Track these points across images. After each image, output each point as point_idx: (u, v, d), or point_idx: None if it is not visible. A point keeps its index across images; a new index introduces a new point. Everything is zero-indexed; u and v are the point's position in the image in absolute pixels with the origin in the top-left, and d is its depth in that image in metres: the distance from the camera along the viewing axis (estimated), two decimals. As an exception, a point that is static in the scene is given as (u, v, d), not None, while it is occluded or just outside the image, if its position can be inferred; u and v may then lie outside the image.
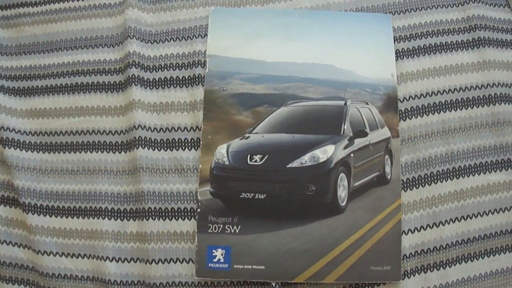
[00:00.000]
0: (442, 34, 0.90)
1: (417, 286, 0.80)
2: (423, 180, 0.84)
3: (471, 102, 0.86)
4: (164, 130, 0.87)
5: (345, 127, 0.89)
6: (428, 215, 0.82)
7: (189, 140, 0.87)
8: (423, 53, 0.89)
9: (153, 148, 0.86)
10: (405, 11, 0.91)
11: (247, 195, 0.83)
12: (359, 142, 0.89)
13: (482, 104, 0.86)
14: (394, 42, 0.89)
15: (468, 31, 0.90)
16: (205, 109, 0.87)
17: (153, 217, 0.83)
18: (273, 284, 0.81)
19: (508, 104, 0.86)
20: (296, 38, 0.90)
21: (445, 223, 0.82)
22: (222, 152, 0.86)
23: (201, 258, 0.81)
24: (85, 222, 0.85)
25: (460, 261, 0.81)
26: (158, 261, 0.82)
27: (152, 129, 0.87)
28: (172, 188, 0.85)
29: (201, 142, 0.86)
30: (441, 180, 0.83)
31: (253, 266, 0.80)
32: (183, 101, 0.88)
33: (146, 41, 0.92)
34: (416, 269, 0.81)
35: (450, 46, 0.89)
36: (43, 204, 0.86)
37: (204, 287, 0.82)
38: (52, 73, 0.92)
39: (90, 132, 0.89)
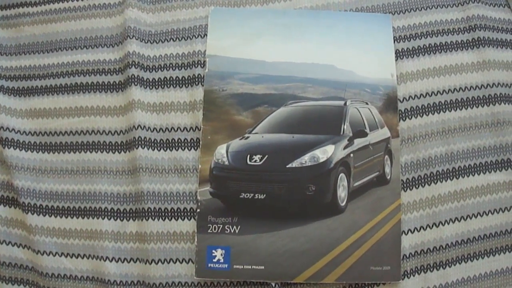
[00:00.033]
0: (442, 34, 0.90)
1: (417, 286, 0.80)
2: (423, 180, 0.84)
3: (471, 102, 0.86)
4: (164, 130, 0.87)
5: (345, 127, 0.89)
6: (428, 215, 0.82)
7: (188, 140, 0.87)
8: (423, 53, 0.89)
9: (153, 148, 0.86)
10: (405, 11, 0.91)
11: (246, 195, 0.83)
12: (359, 142, 0.89)
13: (482, 104, 0.86)
14: (394, 42, 0.89)
15: (468, 31, 0.90)
16: (205, 109, 0.87)
17: (153, 217, 0.83)
18: (273, 284, 0.81)
19: (508, 104, 0.86)
20: (296, 38, 0.90)
21: (445, 223, 0.82)
22: (221, 152, 0.86)
23: (200, 258, 0.81)
24: (85, 222, 0.85)
25: (460, 261, 0.81)
26: (158, 261, 0.82)
27: (152, 129, 0.87)
28: (171, 188, 0.85)
29: (200, 142, 0.86)
30: (441, 180, 0.83)
31: (252, 266, 0.80)
32: (183, 101, 0.88)
33: (146, 41, 0.92)
34: (416, 269, 0.81)
35: (450, 46, 0.89)
36: (42, 204, 0.86)
37: (204, 287, 0.82)
38: (52, 73, 0.92)
39: (89, 132, 0.89)
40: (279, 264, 0.79)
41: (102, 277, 0.83)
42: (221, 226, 0.82)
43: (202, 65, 0.89)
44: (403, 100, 0.87)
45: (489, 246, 0.81)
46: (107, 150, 0.87)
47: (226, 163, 0.85)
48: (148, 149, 0.86)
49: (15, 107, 0.91)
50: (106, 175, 0.86)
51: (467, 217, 0.82)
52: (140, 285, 0.82)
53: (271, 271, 0.79)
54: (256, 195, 0.83)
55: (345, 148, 0.87)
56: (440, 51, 0.89)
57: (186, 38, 0.91)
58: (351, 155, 0.88)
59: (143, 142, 0.86)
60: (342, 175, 0.86)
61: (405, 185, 0.84)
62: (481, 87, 0.87)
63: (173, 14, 0.93)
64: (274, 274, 0.79)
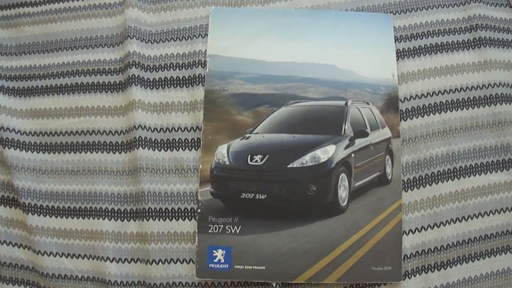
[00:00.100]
0: (443, 34, 0.89)
1: (418, 286, 0.80)
2: (424, 180, 0.83)
3: (472, 102, 0.86)
4: (165, 130, 0.87)
5: (346, 127, 0.89)
6: (429, 216, 0.82)
7: (189, 140, 0.87)
8: (424, 53, 0.89)
9: (153, 148, 0.86)
10: (406, 11, 0.91)
11: (247, 195, 0.83)
12: (360, 142, 0.89)
13: (483, 104, 0.86)
14: (395, 42, 0.89)
15: (469, 31, 0.89)
16: (206, 109, 0.87)
17: (154, 218, 0.83)
18: (274, 285, 0.81)
19: (509, 104, 0.86)
20: (297, 38, 0.90)
21: (446, 223, 0.82)
22: (222, 152, 0.86)
23: (201, 259, 0.81)
24: (85, 222, 0.85)
25: (461, 262, 0.81)
26: (159, 262, 0.82)
27: (152, 129, 0.87)
28: (172, 188, 0.85)
29: (201, 142, 0.86)
30: (442, 180, 0.83)
31: (253, 267, 0.80)
32: (183, 101, 0.88)
33: (146, 41, 0.91)
34: (417, 269, 0.81)
35: (451, 46, 0.89)
36: (43, 204, 0.86)
37: (205, 287, 0.82)
38: (52, 73, 0.92)
39: (90, 132, 0.88)
40: (280, 264, 0.79)
41: (102, 278, 0.83)
42: (222, 226, 0.81)
43: (202, 65, 0.89)
44: (404, 100, 0.87)
45: (490, 246, 0.81)
46: (108, 150, 0.87)
47: (227, 163, 0.85)
48: (149, 149, 0.86)
49: (15, 107, 0.91)
50: (107, 175, 0.86)
51: (468, 218, 0.82)
52: (140, 285, 0.82)
53: (272, 271, 0.79)
54: (257, 195, 0.82)
55: (346, 148, 0.87)
56: (441, 51, 0.89)
57: (186, 38, 0.91)
58: (352, 155, 0.88)
59: (143, 142, 0.86)
60: (343, 175, 0.86)
61: (406, 185, 0.83)
62: (482, 87, 0.87)
63: (174, 14, 0.93)
64: (275, 274, 0.79)
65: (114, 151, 0.87)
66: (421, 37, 0.90)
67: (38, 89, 0.92)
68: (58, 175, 0.88)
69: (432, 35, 0.89)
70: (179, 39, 0.91)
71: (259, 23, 0.91)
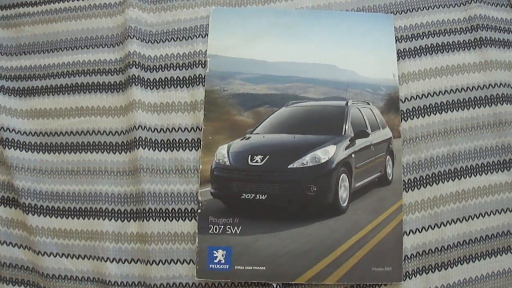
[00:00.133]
0: (443, 34, 0.89)
1: (418, 287, 0.80)
2: (424, 181, 0.83)
3: (473, 103, 0.86)
4: (165, 130, 0.87)
5: (346, 127, 0.88)
6: (430, 216, 0.82)
7: (189, 141, 0.86)
8: (425, 53, 0.88)
9: (154, 148, 0.86)
10: (407, 11, 0.91)
11: (248, 196, 0.83)
12: (360, 143, 0.89)
13: (484, 105, 0.86)
14: (396, 42, 0.89)
15: (470, 31, 0.89)
16: (206, 109, 0.87)
17: (154, 218, 0.83)
18: (274, 285, 0.81)
19: (510, 104, 0.85)
20: (297, 38, 0.90)
21: (446, 224, 0.82)
22: (222, 153, 0.86)
23: (201, 259, 0.80)
24: (86, 222, 0.85)
25: (462, 262, 0.81)
26: (159, 262, 0.82)
27: (153, 130, 0.87)
28: (172, 188, 0.84)
29: (201, 143, 0.86)
30: (443, 180, 0.83)
31: (253, 267, 0.79)
32: (184, 101, 0.88)
33: (147, 41, 0.91)
34: (418, 270, 0.80)
35: (452, 46, 0.89)
36: (43, 204, 0.86)
37: (205, 288, 0.82)
38: (52, 73, 0.92)
39: (90, 133, 0.88)
40: (280, 265, 0.79)
41: (102, 278, 0.83)
42: (222, 226, 0.81)
43: (203, 65, 0.89)
44: (404, 100, 0.86)
45: (491, 247, 0.81)
46: (108, 151, 0.87)
47: (227, 163, 0.85)
48: (149, 149, 0.86)
49: (15, 108, 0.91)
50: (107, 175, 0.86)
51: (469, 218, 0.82)
52: (140, 286, 0.82)
53: (272, 272, 0.79)
54: (257, 195, 0.82)
55: (346, 148, 0.87)
56: (442, 51, 0.88)
57: (187, 38, 0.91)
58: (353, 155, 0.88)
59: (143, 143, 0.85)
60: (343, 175, 0.85)
61: (406, 185, 0.83)
62: (483, 87, 0.86)
63: (174, 14, 0.93)
64: (275, 275, 0.79)
65: (114, 151, 0.87)
66: (421, 37, 0.89)
67: (38, 89, 0.91)
68: (58, 175, 0.87)
69: (432, 35, 0.89)
70: (180, 39, 0.91)
71: (259, 23, 0.91)
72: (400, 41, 0.89)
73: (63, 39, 0.94)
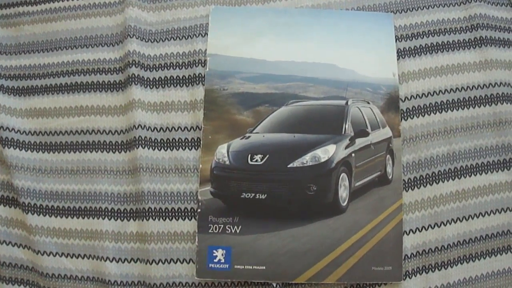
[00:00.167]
0: (444, 33, 0.89)
1: (418, 286, 0.80)
2: (424, 180, 0.83)
3: (473, 102, 0.86)
4: (164, 129, 0.87)
5: (346, 126, 0.88)
6: (430, 215, 0.82)
7: (189, 140, 0.86)
8: (425, 52, 0.88)
9: (153, 147, 0.86)
10: (407, 10, 0.91)
11: (247, 195, 0.83)
12: (360, 142, 0.89)
13: (484, 104, 0.86)
14: (396, 41, 0.89)
15: (470, 30, 0.89)
16: (206, 108, 0.86)
17: (153, 217, 0.83)
18: (274, 285, 0.81)
19: (510, 103, 0.85)
20: (297, 37, 0.89)
21: (446, 223, 0.82)
22: (222, 152, 0.85)
23: (201, 259, 0.80)
24: (85, 222, 0.85)
25: (462, 262, 0.81)
26: (159, 262, 0.82)
27: (152, 129, 0.87)
28: (172, 188, 0.84)
29: (201, 142, 0.85)
30: (443, 180, 0.83)
31: (253, 267, 0.79)
32: (183, 100, 0.88)
33: (146, 40, 0.91)
34: (418, 269, 0.80)
35: (452, 45, 0.89)
36: (42, 204, 0.86)
37: (205, 287, 0.82)
38: (52, 73, 0.92)
39: (90, 132, 0.88)
40: (280, 264, 0.79)
41: (102, 277, 0.83)
42: (222, 226, 0.81)
43: (202, 64, 0.89)
44: (405, 99, 0.86)
45: (491, 246, 0.81)
46: (107, 150, 0.87)
47: (227, 162, 0.85)
48: (149, 148, 0.86)
49: (15, 107, 0.90)
50: (107, 175, 0.86)
51: (469, 217, 0.82)
52: (140, 285, 0.82)
53: (272, 271, 0.79)
54: (257, 195, 0.82)
55: (346, 147, 0.87)
56: (442, 50, 0.88)
57: (186, 37, 0.91)
58: (353, 154, 0.88)
59: (143, 142, 0.85)
60: (343, 175, 0.85)
61: (406, 185, 0.83)
62: (483, 86, 0.86)
63: (174, 13, 0.93)
64: (275, 274, 0.79)
65: (114, 150, 0.87)
66: (422, 36, 0.89)
67: (37, 88, 0.91)
68: (58, 174, 0.87)
69: (433, 35, 0.89)
70: (179, 38, 0.91)
71: (259, 22, 0.91)
72: (400, 40, 0.89)
73: (62, 38, 0.93)
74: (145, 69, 0.89)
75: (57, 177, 0.87)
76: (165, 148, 0.86)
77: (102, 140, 0.88)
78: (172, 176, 0.85)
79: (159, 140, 0.86)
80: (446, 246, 0.81)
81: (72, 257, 0.84)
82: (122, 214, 0.85)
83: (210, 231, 0.81)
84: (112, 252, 0.83)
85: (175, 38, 0.91)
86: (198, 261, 0.80)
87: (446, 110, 0.86)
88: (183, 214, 0.83)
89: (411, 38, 0.89)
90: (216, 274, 0.80)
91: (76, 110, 0.89)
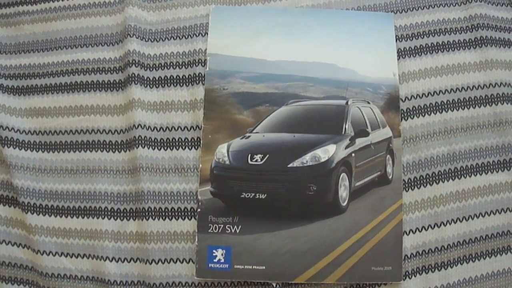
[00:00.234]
0: (444, 33, 0.89)
1: (418, 286, 0.80)
2: (424, 180, 0.83)
3: (473, 102, 0.86)
4: (164, 129, 0.87)
5: (347, 126, 0.88)
6: (430, 216, 0.82)
7: (189, 140, 0.86)
8: (425, 52, 0.88)
9: (153, 147, 0.86)
10: (407, 10, 0.91)
11: (247, 195, 0.82)
12: (360, 142, 0.89)
13: (484, 104, 0.86)
14: (396, 41, 0.89)
15: (471, 30, 0.89)
16: (206, 108, 0.86)
17: (153, 217, 0.83)
18: (274, 285, 0.80)
19: (510, 104, 0.85)
20: (297, 37, 0.89)
21: (446, 223, 0.82)
22: (222, 152, 0.85)
23: (201, 258, 0.80)
24: (85, 221, 0.85)
25: (462, 262, 0.81)
26: (158, 261, 0.82)
27: (152, 128, 0.87)
28: (172, 187, 0.84)
29: (201, 142, 0.85)
30: (443, 180, 0.83)
31: (253, 267, 0.79)
32: (183, 100, 0.88)
33: (146, 39, 0.91)
34: (418, 269, 0.80)
35: (452, 45, 0.88)
36: (42, 203, 0.86)
37: (205, 287, 0.82)
38: (52, 72, 0.92)
39: (89, 131, 0.88)
40: (280, 264, 0.79)
41: (102, 277, 0.83)
42: (222, 226, 0.81)
43: (202, 64, 0.89)
44: (405, 99, 0.86)
45: (491, 246, 0.81)
46: (107, 149, 0.87)
47: (227, 162, 0.85)
48: (148, 148, 0.85)
49: (14, 106, 0.90)
50: (106, 174, 0.86)
51: (469, 218, 0.82)
52: (140, 285, 0.82)
53: (272, 271, 0.79)
54: (257, 194, 0.82)
55: (346, 147, 0.87)
56: (442, 50, 0.88)
57: (186, 37, 0.91)
58: (353, 154, 0.87)
59: (143, 141, 0.85)
60: (343, 174, 0.85)
61: (406, 185, 0.83)
62: (483, 86, 0.86)
63: (174, 13, 0.93)
64: (275, 274, 0.79)
65: (113, 150, 0.87)
66: (422, 36, 0.89)
67: (37, 88, 0.91)
68: (58, 174, 0.87)
69: (433, 35, 0.89)
70: (179, 37, 0.91)
71: (259, 22, 0.91)
72: (400, 40, 0.89)
73: (62, 37, 0.93)
74: (145, 68, 0.89)
75: (56, 176, 0.87)
76: (165, 148, 0.86)
77: (102, 139, 0.88)
78: (172, 176, 0.85)
79: (159, 140, 0.86)
80: (446, 246, 0.81)
81: (71, 257, 0.84)
82: (121, 214, 0.85)
83: (210, 231, 0.81)
84: (111, 252, 0.83)
85: (175, 37, 0.91)
86: (198, 261, 0.80)
87: (446, 110, 0.86)
88: (183, 213, 0.83)
89: (411, 38, 0.89)
90: (216, 274, 0.80)
91: (76, 109, 0.89)
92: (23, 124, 0.90)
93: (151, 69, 0.90)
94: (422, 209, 0.82)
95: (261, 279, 0.80)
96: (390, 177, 0.88)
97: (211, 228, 0.81)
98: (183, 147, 0.86)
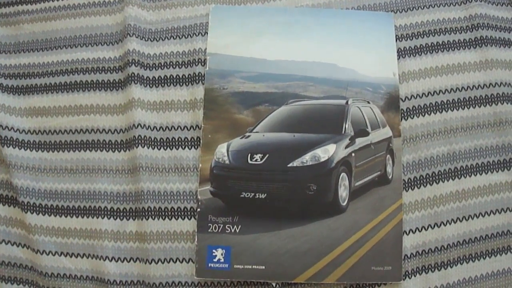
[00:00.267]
0: (444, 32, 0.89)
1: (418, 286, 0.80)
2: (424, 180, 0.83)
3: (473, 102, 0.86)
4: (164, 128, 0.87)
5: (347, 126, 0.88)
6: (430, 215, 0.82)
7: (189, 139, 0.86)
8: (425, 52, 0.88)
9: (153, 147, 0.86)
10: (407, 10, 0.91)
11: (247, 195, 0.82)
12: (360, 142, 0.89)
13: (484, 104, 0.86)
14: (396, 40, 0.89)
15: (471, 30, 0.89)
16: (205, 107, 0.86)
17: (153, 217, 0.83)
18: (273, 284, 0.80)
19: (510, 104, 0.85)
20: (297, 37, 0.89)
21: (446, 223, 0.82)
22: (222, 151, 0.85)
23: (201, 258, 0.80)
24: (85, 221, 0.85)
25: (462, 262, 0.81)
26: (158, 261, 0.82)
27: (152, 128, 0.87)
28: (172, 187, 0.84)
29: (201, 141, 0.85)
30: (443, 180, 0.83)
31: (253, 266, 0.79)
32: (183, 99, 0.88)
33: (146, 39, 0.91)
34: (417, 269, 0.80)
35: (452, 45, 0.88)
36: (42, 203, 0.86)
37: (204, 287, 0.82)
38: (51, 71, 0.92)
39: (89, 131, 0.88)
40: (280, 264, 0.79)
41: (102, 277, 0.83)
42: (222, 225, 0.81)
43: (202, 63, 0.89)
44: (405, 99, 0.86)
45: (491, 246, 0.81)
46: (107, 149, 0.87)
47: (227, 162, 0.85)
48: (148, 148, 0.85)
49: (14, 105, 0.90)
50: (106, 174, 0.86)
51: (469, 217, 0.82)
52: (140, 285, 0.82)
53: (271, 271, 0.79)
54: (257, 194, 0.82)
55: (346, 147, 0.87)
56: (442, 50, 0.88)
57: (186, 36, 0.91)
58: (353, 154, 0.87)
59: (143, 141, 0.85)
60: (343, 174, 0.85)
61: (406, 185, 0.83)
62: (483, 86, 0.86)
63: (174, 12, 0.92)
64: (274, 274, 0.79)
65: (113, 149, 0.87)
66: (422, 36, 0.89)
67: (37, 87, 0.91)
68: (57, 173, 0.87)
69: (433, 34, 0.89)
70: (179, 37, 0.91)
71: (259, 21, 0.90)
72: (400, 39, 0.89)
73: (62, 37, 0.93)
74: (145, 68, 0.89)
75: (56, 176, 0.87)
76: (165, 147, 0.86)
77: (102, 139, 0.88)
78: (171, 176, 0.85)
79: (158, 139, 0.86)
80: (446, 246, 0.81)
81: (71, 257, 0.84)
82: (121, 214, 0.84)
83: (209, 230, 0.81)
84: (111, 252, 0.83)
85: (175, 37, 0.91)
86: (197, 261, 0.80)
87: (446, 110, 0.86)
88: (182, 213, 0.83)
89: (411, 38, 0.89)
90: (216, 274, 0.80)
91: (75, 109, 0.89)
92: (22, 123, 0.89)
93: (151, 68, 0.90)
94: (422, 209, 0.82)
95: (261, 279, 0.80)
96: (390, 177, 0.88)
97: (211, 227, 0.81)
98: (183, 147, 0.86)
